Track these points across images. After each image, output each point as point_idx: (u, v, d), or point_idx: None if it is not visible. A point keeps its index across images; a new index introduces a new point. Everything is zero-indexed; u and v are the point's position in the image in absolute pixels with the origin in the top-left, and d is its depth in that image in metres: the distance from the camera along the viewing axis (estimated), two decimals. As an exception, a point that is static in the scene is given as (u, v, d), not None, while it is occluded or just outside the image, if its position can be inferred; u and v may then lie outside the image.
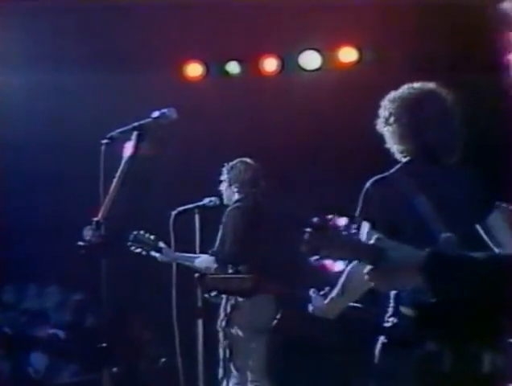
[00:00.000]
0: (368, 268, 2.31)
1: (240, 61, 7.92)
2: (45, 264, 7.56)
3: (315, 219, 2.27)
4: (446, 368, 3.00)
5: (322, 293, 3.84)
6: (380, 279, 2.31)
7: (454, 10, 6.49)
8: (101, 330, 3.92)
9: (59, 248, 6.04)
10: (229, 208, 5.78)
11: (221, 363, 5.57)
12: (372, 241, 2.31)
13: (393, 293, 3.15)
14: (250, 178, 5.84)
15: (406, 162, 3.30)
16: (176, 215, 5.65)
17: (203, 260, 5.67)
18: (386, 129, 3.35)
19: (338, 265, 3.45)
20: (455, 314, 2.88)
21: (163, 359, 7.31)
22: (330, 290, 3.73)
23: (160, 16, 6.89)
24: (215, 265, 5.62)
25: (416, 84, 3.35)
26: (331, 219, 2.26)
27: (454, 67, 6.87)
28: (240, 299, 5.47)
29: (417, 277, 2.23)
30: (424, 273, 2.22)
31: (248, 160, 5.92)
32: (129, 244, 5.89)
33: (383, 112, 3.36)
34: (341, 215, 2.30)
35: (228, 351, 5.51)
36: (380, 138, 3.41)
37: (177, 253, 5.75)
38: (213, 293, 5.26)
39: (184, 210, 5.73)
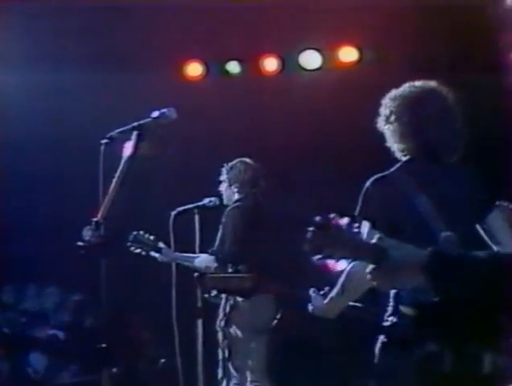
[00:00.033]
0: (370, 267, 2.30)
1: (240, 61, 7.92)
2: (44, 264, 7.56)
3: (317, 218, 2.27)
4: (446, 368, 3.00)
5: (322, 292, 3.84)
6: (382, 278, 2.31)
7: (454, 11, 6.48)
8: (101, 330, 3.92)
9: (58, 249, 6.03)
10: (228, 208, 5.78)
11: (220, 364, 5.57)
12: (374, 241, 2.31)
13: (392, 292, 3.14)
14: (250, 178, 5.84)
15: (406, 161, 3.29)
16: (176, 215, 5.65)
17: (202, 260, 5.67)
18: (386, 127, 3.34)
19: (341, 265, 3.44)
20: (455, 314, 2.87)
21: (163, 360, 7.30)
22: (330, 290, 3.73)
23: (160, 16, 6.88)
24: (215, 265, 5.62)
25: (417, 83, 3.34)
26: (333, 218, 2.26)
27: (454, 67, 6.87)
28: (239, 299, 5.47)
29: (419, 276, 2.23)
30: (426, 272, 2.22)
31: (248, 160, 5.91)
32: (128, 244, 5.89)
33: (384, 110, 3.35)
34: (342, 215, 2.30)
35: (227, 352, 5.51)
36: (380, 138, 3.40)
37: (177, 253, 5.74)
38: (213, 293, 5.26)
39: (184, 210, 5.73)
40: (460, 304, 2.59)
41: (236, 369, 5.54)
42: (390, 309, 3.19)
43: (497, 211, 3.24)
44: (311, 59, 7.74)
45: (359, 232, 2.31)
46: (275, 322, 5.57)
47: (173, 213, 5.65)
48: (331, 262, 2.36)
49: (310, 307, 3.92)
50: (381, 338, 3.19)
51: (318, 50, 7.70)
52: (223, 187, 5.89)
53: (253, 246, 5.56)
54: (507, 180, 2.90)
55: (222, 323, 5.56)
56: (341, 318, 3.88)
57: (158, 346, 7.45)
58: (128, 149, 3.54)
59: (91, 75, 7.26)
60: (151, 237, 5.90)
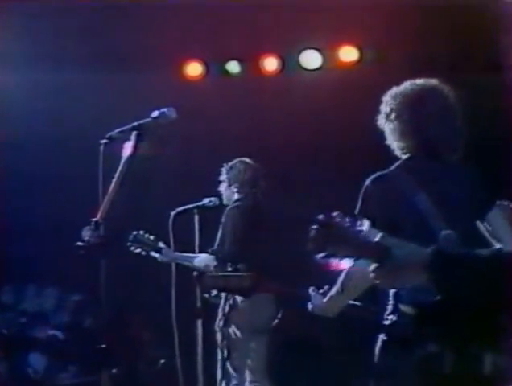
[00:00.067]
0: (372, 266, 2.30)
1: (240, 60, 7.92)
2: (44, 264, 7.56)
3: (320, 217, 2.26)
4: (446, 368, 2.99)
5: (321, 291, 3.84)
6: (385, 277, 2.31)
7: (454, 11, 6.48)
8: (100, 330, 3.92)
9: (58, 249, 6.03)
10: (228, 208, 5.78)
11: (220, 364, 5.57)
12: (377, 239, 2.30)
13: (392, 290, 3.14)
14: (250, 178, 5.84)
15: (406, 159, 3.29)
16: (176, 215, 5.65)
17: (202, 259, 5.67)
18: (386, 125, 3.33)
19: (344, 263, 3.43)
20: (455, 313, 2.86)
21: (163, 360, 7.30)
22: (329, 289, 3.72)
23: (160, 16, 6.88)
24: (214, 264, 5.61)
25: (418, 81, 3.33)
26: (336, 217, 2.25)
27: (454, 67, 6.86)
28: (239, 299, 5.46)
29: (421, 274, 2.23)
30: (429, 270, 2.22)
31: (248, 160, 5.92)
32: (128, 244, 5.90)
33: (384, 107, 3.34)
34: (343, 214, 2.29)
35: (226, 352, 5.51)
36: (380, 138, 3.39)
37: (177, 253, 5.74)
38: (213, 293, 5.26)
39: (184, 210, 5.73)
40: (461, 303, 2.59)
41: (235, 369, 5.54)
42: (389, 307, 3.18)
43: (497, 210, 3.23)
44: (311, 59, 7.74)
45: (362, 231, 2.31)
46: (275, 321, 5.57)
47: (173, 213, 5.65)
48: (334, 261, 2.36)
49: (310, 306, 3.92)
50: (382, 336, 3.18)
51: (318, 50, 7.70)
52: (223, 187, 5.89)
53: (252, 246, 5.56)
54: (507, 178, 2.90)
55: (221, 323, 5.56)
56: (341, 317, 3.88)
57: (158, 347, 7.44)
58: (128, 149, 3.53)
59: (91, 75, 7.25)
60: (151, 237, 5.91)
